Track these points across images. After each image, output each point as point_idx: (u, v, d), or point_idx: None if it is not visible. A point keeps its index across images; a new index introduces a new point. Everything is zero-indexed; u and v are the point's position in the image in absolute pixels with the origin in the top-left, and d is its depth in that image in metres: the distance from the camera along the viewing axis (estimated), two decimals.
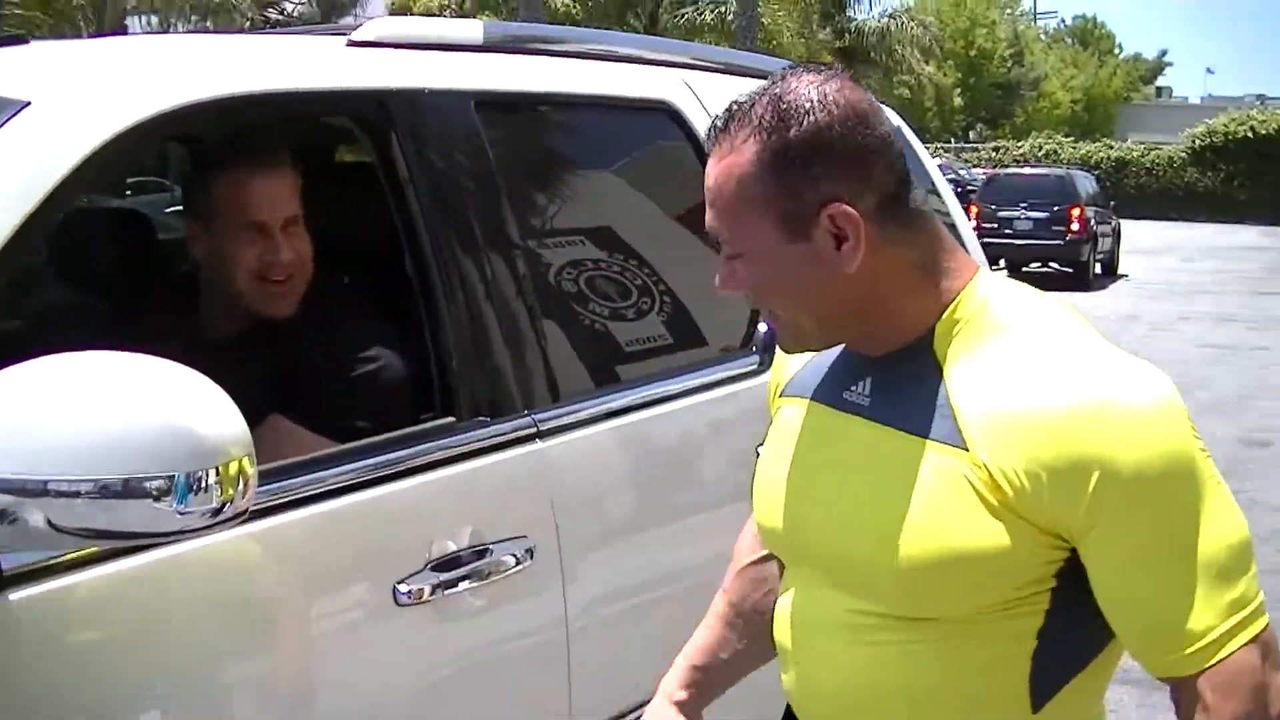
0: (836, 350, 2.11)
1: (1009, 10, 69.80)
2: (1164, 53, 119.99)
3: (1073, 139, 59.52)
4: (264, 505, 2.54)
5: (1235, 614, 1.81)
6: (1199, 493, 1.82)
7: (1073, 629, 1.91)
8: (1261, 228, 48.14)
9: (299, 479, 2.67)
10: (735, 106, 1.95)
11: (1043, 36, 79.25)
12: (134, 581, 2.37)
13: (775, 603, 2.23)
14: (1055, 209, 27.28)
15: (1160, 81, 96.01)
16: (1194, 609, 1.80)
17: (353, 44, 3.16)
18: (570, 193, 3.90)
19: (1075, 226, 27.26)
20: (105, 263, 3.53)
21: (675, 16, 41.02)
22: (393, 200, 3.10)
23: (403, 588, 2.77)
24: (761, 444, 3.36)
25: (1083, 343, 1.90)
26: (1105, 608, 1.87)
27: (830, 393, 2.08)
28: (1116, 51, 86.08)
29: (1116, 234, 30.67)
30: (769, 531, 2.20)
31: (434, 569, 2.83)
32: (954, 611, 1.90)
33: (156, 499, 2.02)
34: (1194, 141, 54.04)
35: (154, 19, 40.34)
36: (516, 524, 3.05)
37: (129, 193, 7.67)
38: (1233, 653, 1.81)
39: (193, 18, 40.56)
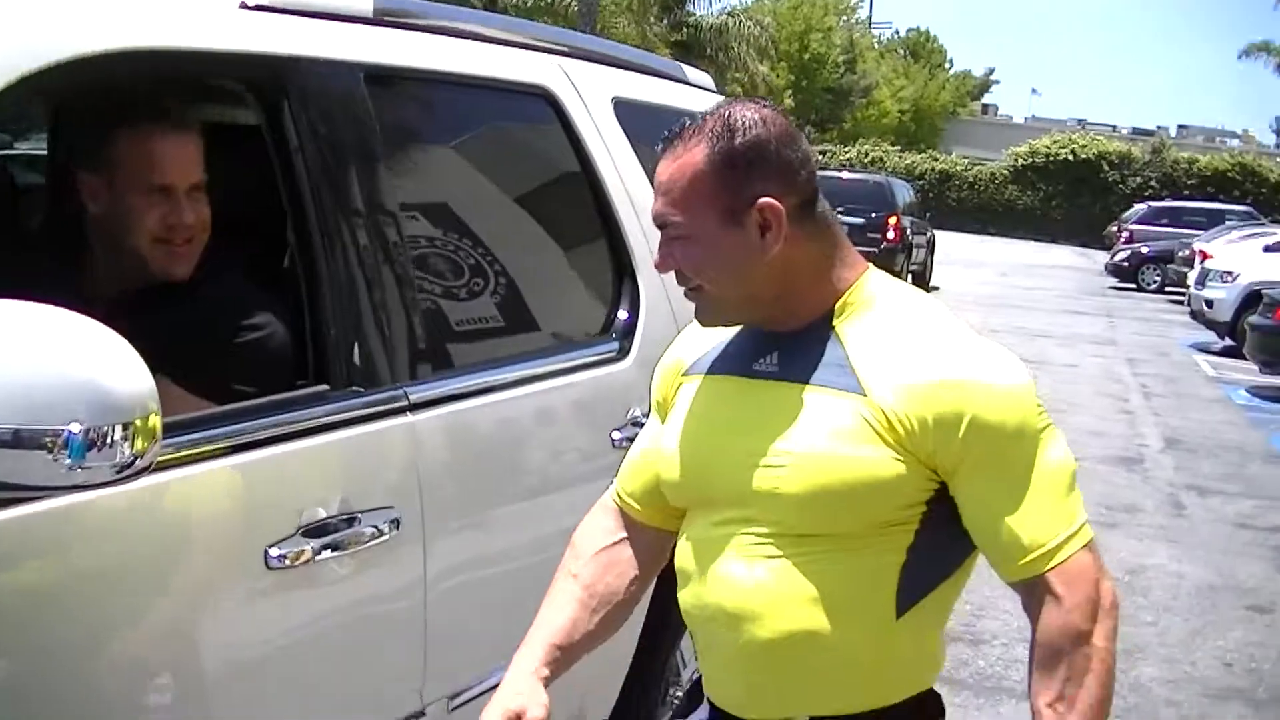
0: (732, 334, 2.54)
1: (845, 17, 70.45)
2: (992, 70, 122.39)
3: (899, 148, 60.38)
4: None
5: (1072, 524, 2.32)
6: (1041, 437, 2.32)
7: (934, 549, 2.37)
8: (1075, 248, 49.46)
9: (176, 439, 2.66)
10: (689, 120, 2.41)
11: (876, 45, 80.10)
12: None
13: (625, 585, 2.69)
14: (872, 215, 26.80)
15: (987, 99, 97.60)
16: (1042, 521, 2.30)
17: (245, 7, 3.15)
18: (447, 170, 3.94)
19: (890, 235, 27.07)
20: None
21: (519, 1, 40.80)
22: (279, 167, 3.11)
23: (274, 551, 2.79)
24: (619, 426, 3.57)
25: (956, 324, 2.40)
26: (972, 529, 2.35)
27: (738, 366, 2.50)
28: (946, 66, 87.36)
29: (931, 245, 30.92)
30: (677, 485, 2.56)
31: (305, 534, 2.86)
32: (844, 528, 2.33)
33: (51, 452, 2.03)
34: (1016, 160, 55.31)
35: None
36: (384, 495, 3.09)
37: None
38: (1074, 553, 2.31)
39: None
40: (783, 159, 2.36)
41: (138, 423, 2.10)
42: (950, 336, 2.36)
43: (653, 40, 42.31)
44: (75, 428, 2.04)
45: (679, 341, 2.71)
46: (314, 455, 2.97)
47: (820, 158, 54.19)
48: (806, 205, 2.39)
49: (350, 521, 2.97)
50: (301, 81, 3.12)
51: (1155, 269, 34.71)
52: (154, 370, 2.88)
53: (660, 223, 2.41)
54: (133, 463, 2.12)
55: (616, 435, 4.00)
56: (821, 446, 2.31)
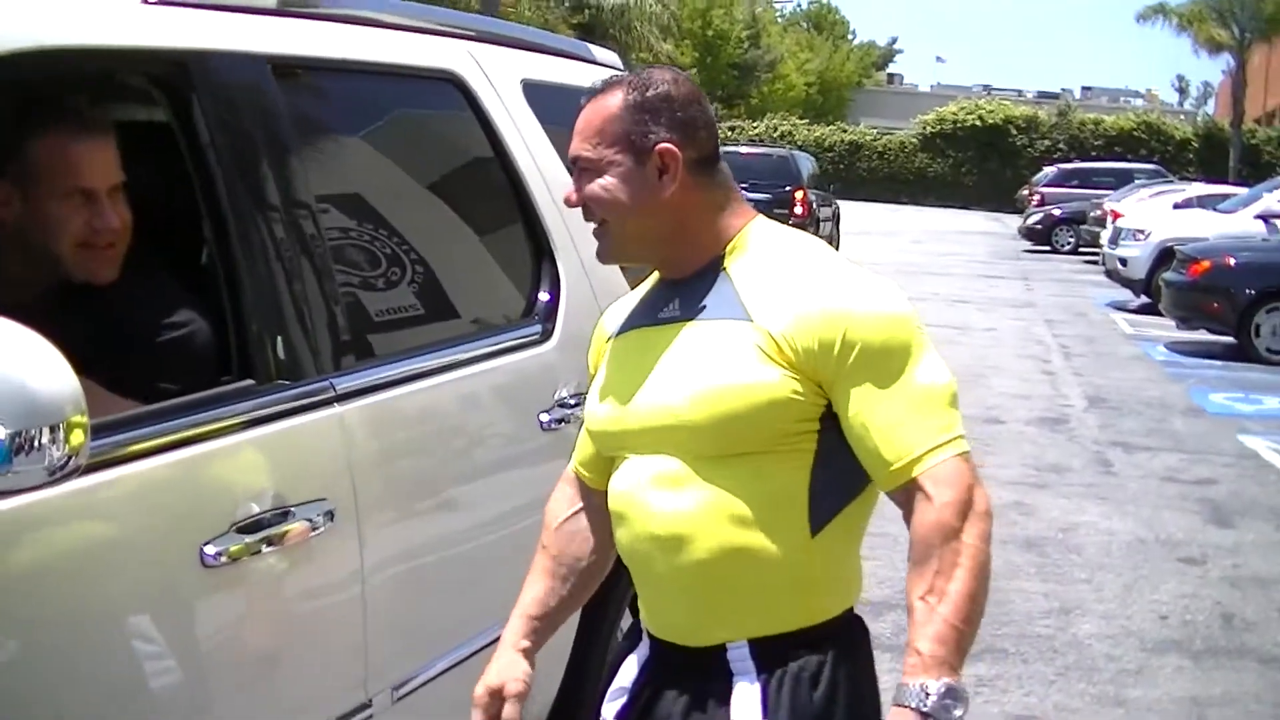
0: (644, 293, 2.76)
1: None
2: (895, 40, 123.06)
3: (808, 121, 60.59)
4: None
5: (945, 434, 2.45)
6: (917, 352, 2.49)
7: (835, 470, 2.52)
8: (987, 213, 49.80)
9: (102, 441, 2.63)
10: (611, 76, 2.71)
11: (779, 19, 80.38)
12: None
13: (589, 549, 2.85)
14: (777, 190, 26.18)
15: (892, 68, 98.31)
16: (912, 430, 2.44)
17: (148, 2, 3.11)
18: (363, 161, 3.92)
19: (799, 210, 26.42)
20: None
21: None
22: (191, 163, 3.08)
23: (209, 549, 2.77)
24: (546, 409, 3.57)
25: (834, 258, 2.63)
26: (851, 441, 2.49)
27: (646, 317, 2.70)
28: (850, 37, 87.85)
29: (836, 217, 30.56)
30: (601, 435, 2.74)
31: (239, 530, 2.84)
32: (747, 446, 2.49)
33: None
34: (925, 128, 55.68)
35: None
36: (316, 487, 3.08)
37: None
38: (945, 459, 2.44)
39: None
40: (686, 115, 2.60)
41: (65, 424, 2.07)
42: (827, 267, 2.57)
43: (554, 23, 42.25)
44: (1, 433, 2.01)
45: (605, 314, 2.90)
46: (243, 451, 2.95)
47: (729, 133, 54.39)
48: (704, 161, 2.63)
49: (284, 516, 2.96)
50: (207, 75, 3.09)
51: (1068, 230, 34.96)
52: (76, 373, 2.88)
53: (573, 158, 2.64)
54: (65, 464, 2.10)
55: (544, 418, 4.00)
56: (715, 373, 2.49)
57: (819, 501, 2.53)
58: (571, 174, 2.67)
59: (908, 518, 2.47)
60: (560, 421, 4.03)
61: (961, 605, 2.38)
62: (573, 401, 4.04)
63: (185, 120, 3.07)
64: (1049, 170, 41.63)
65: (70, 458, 2.10)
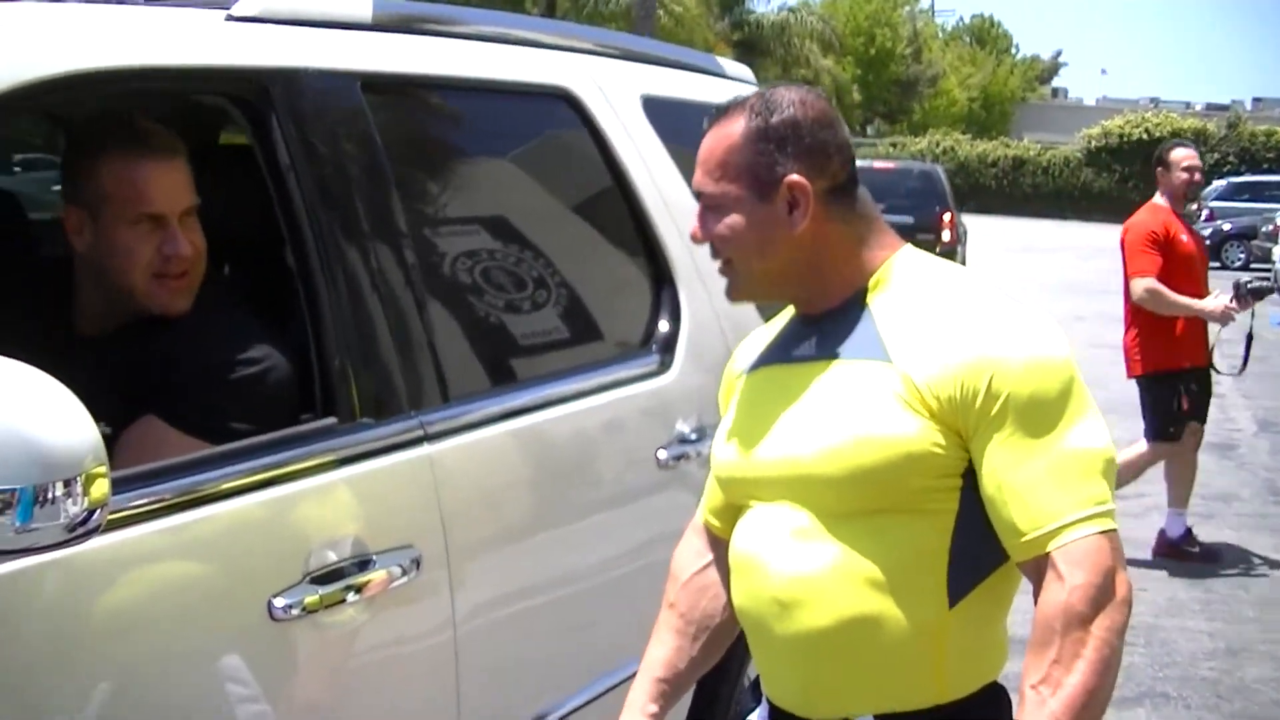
0: (780, 328, 2.56)
1: (908, 7, 70.11)
2: (1059, 53, 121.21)
3: (970, 136, 59.92)
4: (130, 513, 2.37)
5: (1090, 506, 2.20)
6: (1071, 405, 2.24)
7: (980, 528, 2.26)
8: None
9: (168, 484, 2.48)
10: (734, 98, 2.46)
11: (940, 34, 79.72)
12: None
13: (722, 606, 2.62)
14: (920, 213, 22.17)
15: (1056, 82, 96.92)
16: (1055, 495, 2.19)
17: (231, 19, 2.96)
18: (462, 181, 3.72)
19: (946, 236, 22.90)
20: None
21: (575, 3, 40.80)
22: (273, 187, 2.91)
23: (278, 602, 2.59)
24: (664, 445, 3.72)
25: (987, 294, 2.36)
26: (984, 498, 2.24)
27: (780, 354, 2.50)
28: (1013, 51, 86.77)
29: (963, 236, 26.09)
30: (726, 480, 2.55)
31: (313, 581, 2.65)
32: (881, 502, 2.27)
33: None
34: (1089, 142, 54.76)
35: None
36: (402, 533, 2.88)
37: (17, 169, 7.31)
38: (1084, 536, 2.18)
39: None
40: (816, 140, 2.38)
41: (84, 477, 1.89)
42: (977, 304, 2.33)
43: (714, 40, 42.22)
44: (20, 489, 1.85)
45: (738, 348, 2.72)
46: (320, 495, 2.76)
47: (890, 149, 53.91)
48: (839, 190, 2.40)
49: (364, 564, 2.76)
50: (290, 95, 2.92)
51: (1239, 246, 34.08)
52: (142, 411, 2.72)
53: (696, 192, 2.46)
54: (86, 519, 1.93)
55: (663, 454, 3.76)
56: (849, 423, 2.28)
57: (959, 568, 2.29)
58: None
59: (1036, 594, 2.23)
60: (679, 458, 3.79)
61: (1076, 701, 2.15)
62: (694, 437, 3.81)
63: (265, 142, 2.90)
64: (1219, 184, 40.58)
65: (91, 512, 1.91)
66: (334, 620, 2.70)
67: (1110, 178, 53.67)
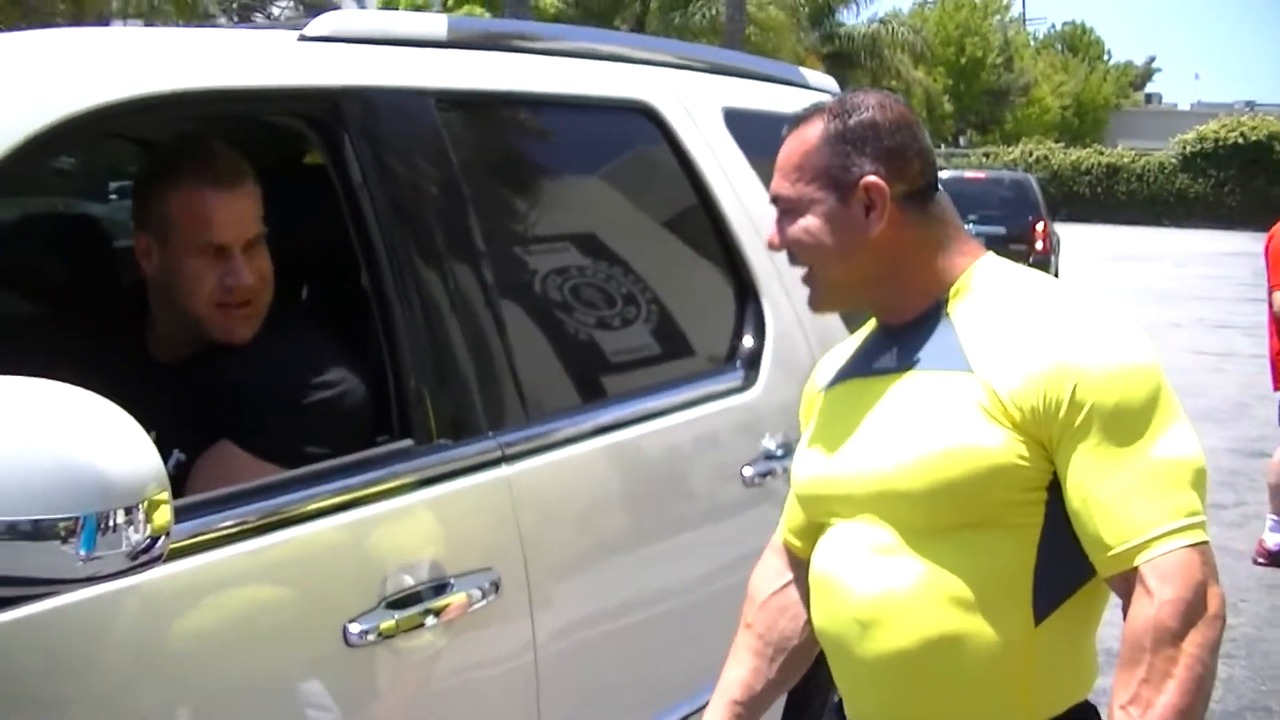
0: (859, 341, 2.53)
1: (999, 16, 69.64)
2: (1152, 59, 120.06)
3: (1063, 144, 59.41)
4: (204, 538, 2.36)
5: (1180, 518, 2.11)
6: (1159, 413, 2.17)
7: (1066, 542, 2.18)
8: (1252, 233, 48.02)
9: (241, 509, 2.45)
10: (814, 104, 2.44)
11: (1032, 42, 79.13)
12: (49, 626, 2.14)
13: (801, 626, 2.57)
14: (1013, 223, 22.40)
15: (1149, 88, 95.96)
16: (1143, 507, 2.11)
17: (305, 39, 2.94)
18: (539, 198, 3.68)
19: (1039, 245, 22.79)
20: (48, 271, 3.28)
21: (664, 21, 40.80)
22: (347, 207, 2.88)
23: (354, 627, 2.55)
24: (750, 462, 3.66)
25: (1072, 301, 2.29)
26: (1069, 512, 2.17)
27: (860, 367, 2.46)
28: (1105, 58, 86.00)
29: (1057, 245, 25.89)
30: (806, 498, 2.50)
31: (389, 606, 2.61)
32: (963, 516, 2.20)
33: (64, 541, 1.83)
34: (1184, 148, 54.10)
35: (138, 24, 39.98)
36: (480, 555, 2.84)
37: (114, 197, 7.33)
38: (1174, 549, 2.10)
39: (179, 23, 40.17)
40: (894, 143, 2.34)
41: (146, 504, 1.86)
42: (1060, 311, 2.26)
43: (804, 53, 42.12)
44: (83, 516, 1.82)
45: (819, 363, 2.68)
46: (397, 518, 2.72)
47: (984, 160, 53.54)
48: (918, 194, 2.36)
49: (441, 588, 2.72)
50: (362, 113, 2.89)
51: None
52: (217, 437, 2.70)
53: (773, 197, 2.42)
54: (149, 547, 1.89)
55: (748, 471, 3.70)
56: (930, 435, 2.22)
57: (1045, 584, 2.21)
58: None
59: (1126, 610, 2.14)
60: (765, 475, 3.73)
61: None
62: (779, 454, 3.75)
63: (339, 161, 2.88)
64: None
65: (154, 540, 1.88)
66: (411, 645, 2.67)
67: (1206, 183, 52.99)
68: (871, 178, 2.31)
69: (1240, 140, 52.40)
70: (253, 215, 2.88)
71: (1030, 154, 55.76)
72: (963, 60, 63.04)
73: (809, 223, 2.36)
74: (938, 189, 2.41)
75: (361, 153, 2.86)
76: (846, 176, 2.33)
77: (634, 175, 3.96)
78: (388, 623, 2.59)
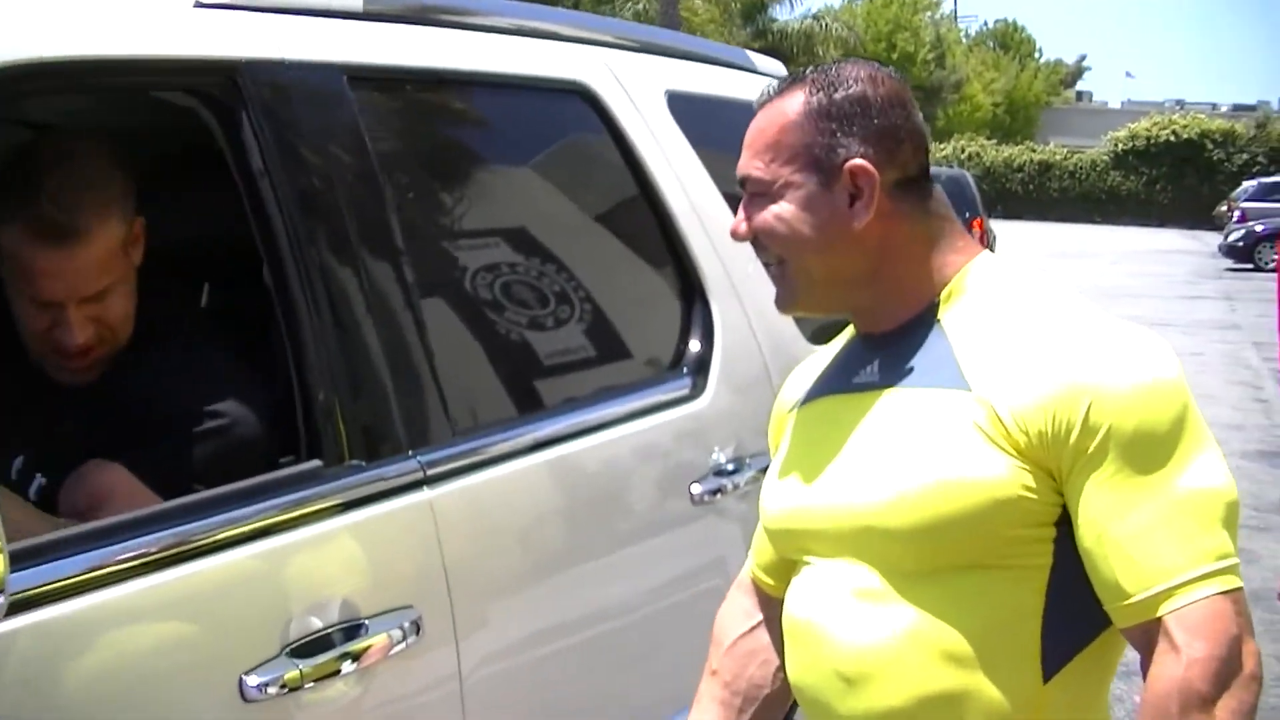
0: (834, 353, 2.24)
1: (930, 13, 69.85)
2: (1083, 57, 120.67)
3: (995, 141, 59.77)
4: (66, 581, 2.04)
5: (1210, 561, 1.84)
6: (1185, 438, 1.90)
7: (1079, 585, 1.92)
8: (1183, 230, 48.61)
9: (114, 546, 2.12)
10: (790, 75, 2.18)
11: (964, 39, 79.44)
12: None
13: (772, 673, 2.30)
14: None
15: (1080, 85, 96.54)
16: (1168, 548, 1.84)
17: (200, 4, 2.59)
18: (465, 187, 3.33)
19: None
20: None
21: (597, 14, 40.67)
22: (246, 196, 2.55)
23: (251, 680, 2.22)
24: (699, 479, 3.39)
25: (1080, 308, 2.02)
26: (1083, 550, 1.90)
27: (838, 382, 2.17)
28: (1036, 55, 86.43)
29: (993, 243, 28.22)
30: (777, 533, 2.22)
31: (292, 654, 2.28)
32: (960, 556, 1.94)
33: None
34: (1116, 145, 54.84)
35: None
36: (398, 593, 2.51)
37: None
38: (1203, 598, 1.83)
39: None
40: (886, 122, 2.07)
41: None
42: (1070, 320, 2.00)
43: (737, 47, 42.09)
44: None
45: (787, 381, 2.40)
46: (302, 551, 2.39)
47: None
48: (910, 182, 2.09)
49: (354, 631, 2.39)
50: (263, 89, 2.55)
51: (1272, 247, 33.70)
52: (109, 456, 2.39)
53: (742, 179, 2.13)
54: None
55: (696, 489, 3.37)
56: (922, 463, 1.95)
57: (1054, 635, 1.95)
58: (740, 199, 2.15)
59: (1145, 666, 1.88)
60: (715, 493, 3.41)
61: None
62: (730, 468, 3.44)
63: (236, 145, 2.54)
64: (1249, 185, 40.23)
65: None
66: (320, 697, 2.33)
67: (1138, 180, 53.68)
68: (859, 161, 2.03)
69: (1172, 138, 53.13)
70: (95, 270, 2.53)
71: (962, 151, 56.23)
72: (894, 56, 63.09)
73: (783, 209, 2.07)
74: (929, 178, 2.14)
75: (262, 134, 2.51)
76: (830, 158, 2.05)
77: (570, 163, 3.62)
78: (291, 673, 2.26)
